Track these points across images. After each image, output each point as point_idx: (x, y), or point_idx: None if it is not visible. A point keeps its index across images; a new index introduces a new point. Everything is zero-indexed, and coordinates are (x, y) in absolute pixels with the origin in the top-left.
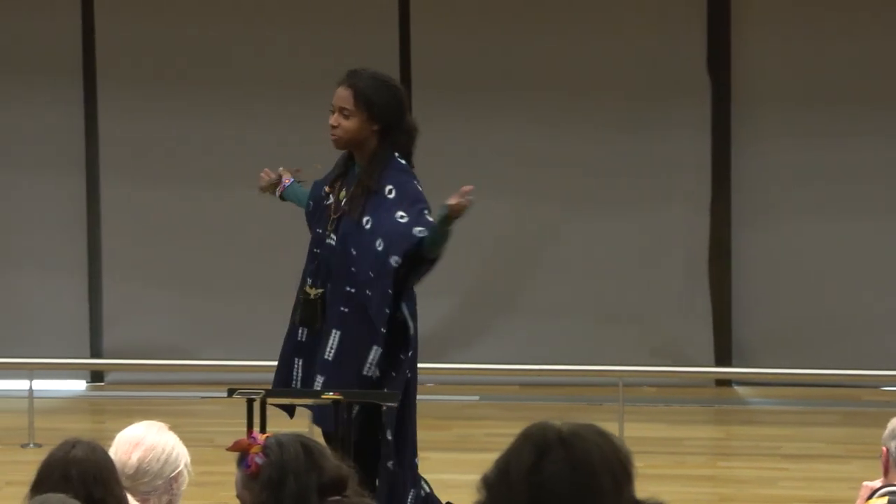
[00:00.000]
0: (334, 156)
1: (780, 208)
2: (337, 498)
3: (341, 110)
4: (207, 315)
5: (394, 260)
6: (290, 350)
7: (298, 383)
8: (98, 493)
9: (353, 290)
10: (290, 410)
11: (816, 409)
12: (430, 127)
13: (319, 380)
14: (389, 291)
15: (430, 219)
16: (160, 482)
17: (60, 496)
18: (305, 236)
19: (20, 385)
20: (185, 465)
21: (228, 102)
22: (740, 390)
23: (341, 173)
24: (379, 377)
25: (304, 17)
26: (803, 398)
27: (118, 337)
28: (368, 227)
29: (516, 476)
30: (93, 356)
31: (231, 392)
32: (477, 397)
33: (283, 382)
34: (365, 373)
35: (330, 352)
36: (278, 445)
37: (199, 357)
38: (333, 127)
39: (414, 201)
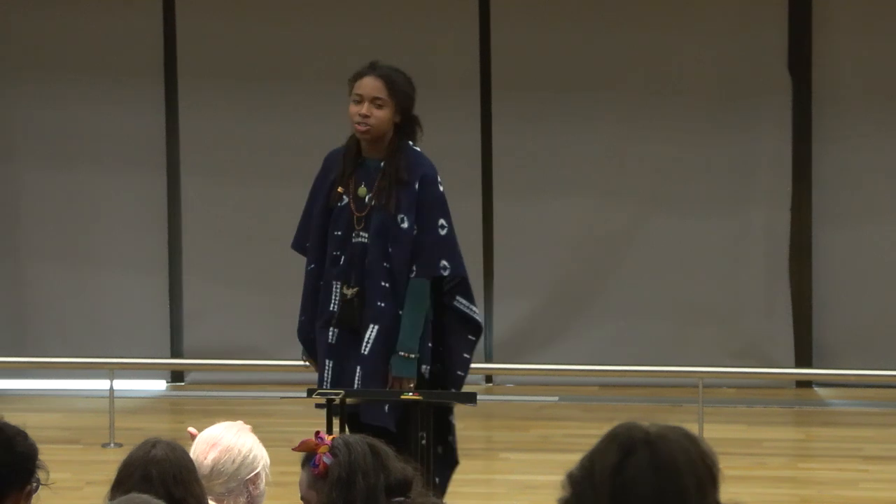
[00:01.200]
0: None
1: (861, 207)
2: (401, 499)
3: (374, 100)
4: (287, 315)
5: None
6: (323, 354)
7: (328, 385)
8: (178, 492)
9: (388, 286)
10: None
11: None
12: (510, 127)
13: (359, 373)
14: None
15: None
16: (234, 484)
17: (145, 496)
18: None
19: (101, 385)
20: (264, 468)
21: (308, 101)
22: (821, 391)
23: (348, 171)
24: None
25: (386, 18)
26: (885, 399)
27: (198, 337)
28: (405, 225)
29: (600, 476)
30: (173, 356)
31: (310, 392)
32: (556, 398)
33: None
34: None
35: (367, 346)
36: (346, 446)
37: (278, 357)
38: (365, 116)
39: (440, 212)
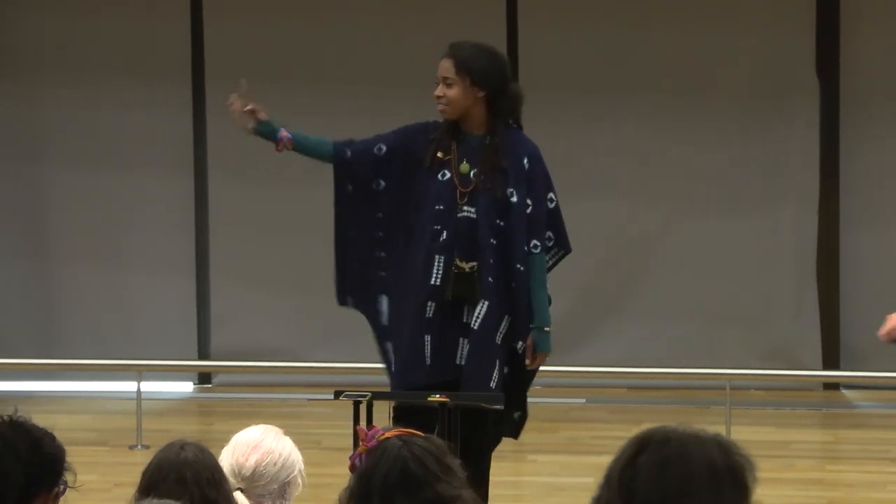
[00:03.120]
0: None
1: (889, 209)
2: None
3: (444, 80)
4: (315, 317)
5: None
6: (418, 328)
7: (429, 360)
8: (212, 494)
9: (493, 262)
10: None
11: None
12: (539, 128)
13: (466, 347)
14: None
15: (549, 236)
16: (275, 486)
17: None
18: None
19: (129, 387)
20: (300, 472)
21: (335, 102)
22: (848, 394)
23: (446, 144)
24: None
25: (413, 20)
26: None
27: (226, 339)
28: (515, 199)
29: (612, 471)
30: (200, 358)
31: (338, 394)
32: (584, 400)
33: (414, 362)
34: (498, 342)
35: (476, 321)
36: (380, 454)
37: (306, 359)
38: (439, 97)
39: (544, 187)
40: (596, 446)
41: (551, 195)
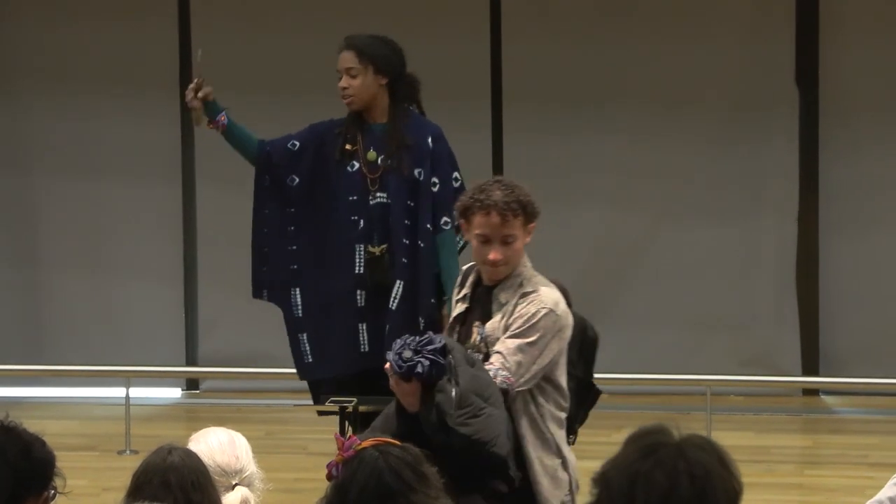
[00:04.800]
0: None
1: (868, 218)
2: None
3: (348, 71)
4: None
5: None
6: (353, 318)
7: (366, 346)
8: (196, 497)
9: (408, 242)
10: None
11: None
12: (521, 138)
13: (387, 329)
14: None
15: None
16: (254, 468)
17: None
18: None
19: (117, 392)
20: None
21: (319, 112)
22: (827, 399)
23: (352, 135)
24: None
25: (399, 31)
26: (891, 407)
27: (213, 345)
28: (422, 178)
29: (611, 473)
30: (188, 364)
31: (323, 400)
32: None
33: (350, 350)
34: (421, 320)
35: (394, 301)
36: (354, 468)
37: (292, 365)
38: (344, 89)
39: (453, 167)
40: (579, 451)
41: (456, 174)
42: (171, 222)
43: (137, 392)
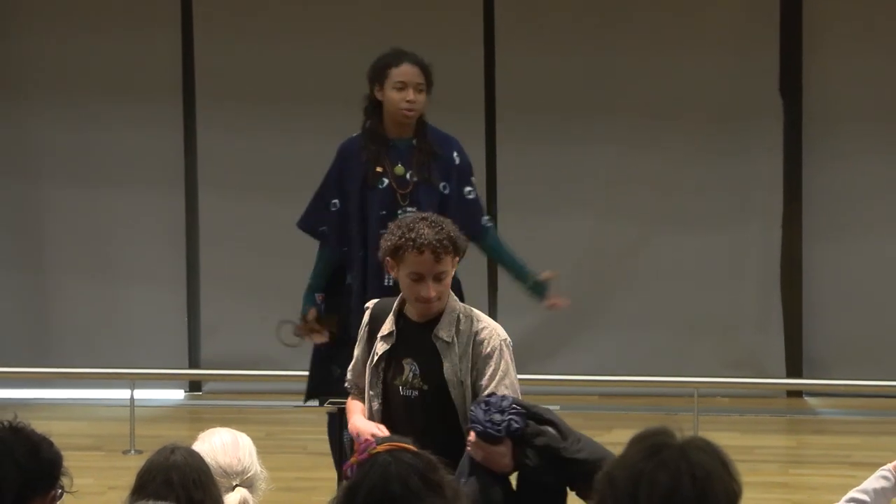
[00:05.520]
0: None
1: (850, 225)
2: None
3: (417, 86)
4: None
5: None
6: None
7: None
8: (198, 496)
9: None
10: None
11: (885, 419)
12: (515, 148)
13: None
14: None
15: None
16: (257, 469)
17: None
18: None
19: (122, 394)
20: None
21: (318, 120)
22: (811, 401)
23: (380, 156)
24: None
25: (396, 41)
26: (872, 408)
27: (215, 348)
28: (447, 191)
29: (616, 472)
30: (191, 366)
31: (323, 401)
32: (558, 407)
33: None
34: None
35: None
36: (366, 471)
37: (293, 368)
38: (412, 102)
39: (471, 175)
40: None
41: (473, 180)
42: (173, 228)
43: (142, 394)
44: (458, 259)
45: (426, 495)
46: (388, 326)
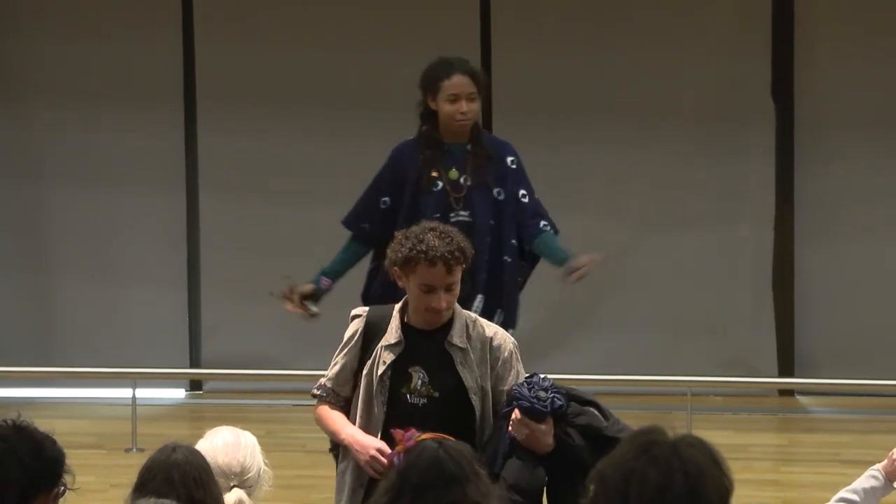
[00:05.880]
0: None
1: (841, 227)
2: None
3: (469, 95)
4: (300, 327)
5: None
6: None
7: None
8: (198, 494)
9: (487, 258)
10: None
11: (875, 418)
12: None
13: None
14: (521, 261)
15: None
16: (256, 472)
17: (168, 502)
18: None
19: (124, 393)
20: (262, 453)
21: (318, 123)
22: (803, 400)
23: (435, 160)
24: None
25: (393, 44)
26: (862, 407)
27: (216, 348)
28: (502, 197)
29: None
30: (192, 366)
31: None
32: None
33: None
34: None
35: (476, 312)
36: (417, 454)
37: (291, 367)
38: (464, 113)
39: (527, 178)
40: None
41: (530, 183)
42: (174, 229)
43: (143, 393)
44: (466, 268)
45: (473, 479)
46: (394, 335)
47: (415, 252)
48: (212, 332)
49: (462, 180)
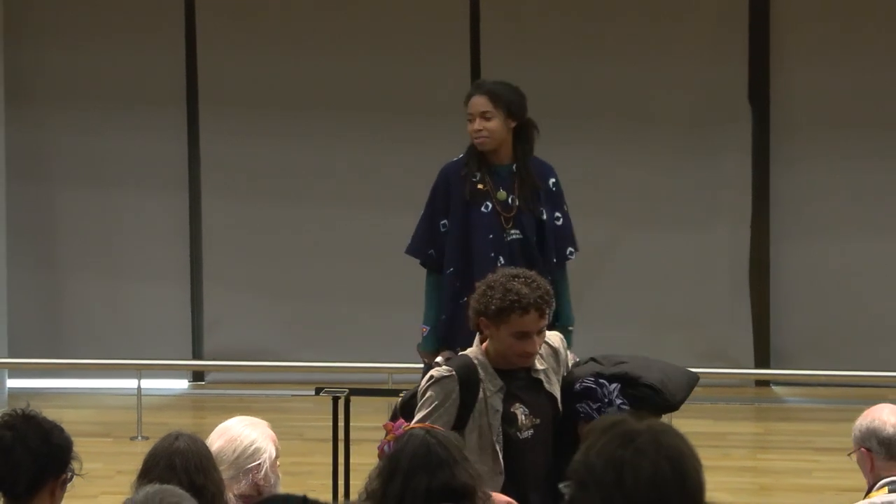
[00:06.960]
0: (412, 177)
1: (815, 224)
2: None
3: (482, 114)
4: (299, 321)
5: (567, 252)
6: None
7: None
8: (199, 480)
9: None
10: None
11: (846, 407)
12: None
13: None
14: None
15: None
16: (233, 472)
17: (169, 487)
18: (382, 249)
19: (129, 384)
20: (268, 461)
21: (317, 127)
22: (778, 390)
23: (480, 176)
24: None
25: (389, 51)
26: (835, 397)
27: (218, 340)
28: (544, 217)
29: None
30: (195, 358)
31: (318, 391)
32: None
33: None
34: None
35: None
36: (406, 441)
37: (290, 359)
38: (479, 131)
39: (563, 201)
40: None
41: (565, 207)
42: (178, 229)
43: (148, 383)
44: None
45: (462, 462)
46: (495, 383)
47: (507, 303)
48: (213, 326)
49: (510, 200)
